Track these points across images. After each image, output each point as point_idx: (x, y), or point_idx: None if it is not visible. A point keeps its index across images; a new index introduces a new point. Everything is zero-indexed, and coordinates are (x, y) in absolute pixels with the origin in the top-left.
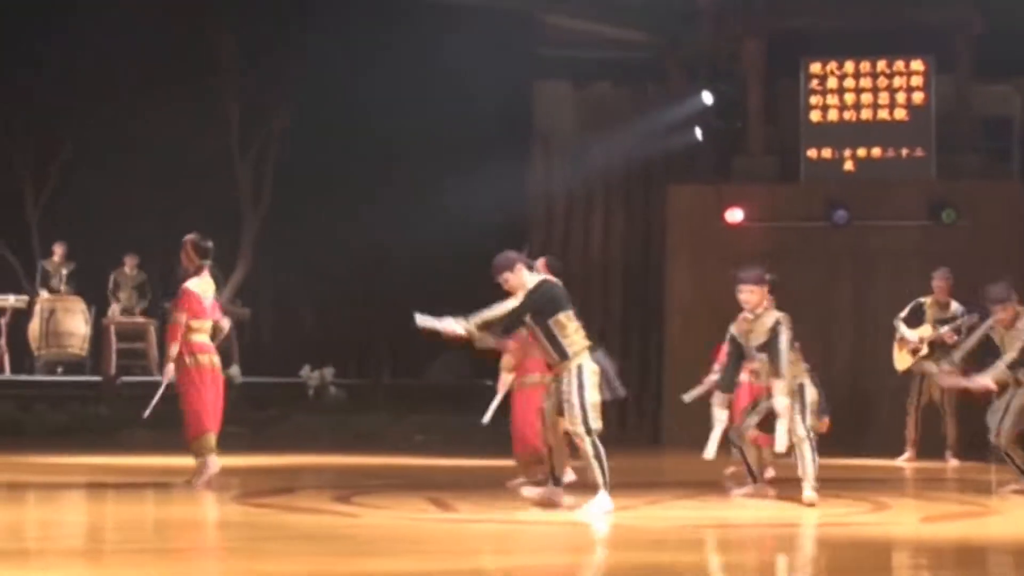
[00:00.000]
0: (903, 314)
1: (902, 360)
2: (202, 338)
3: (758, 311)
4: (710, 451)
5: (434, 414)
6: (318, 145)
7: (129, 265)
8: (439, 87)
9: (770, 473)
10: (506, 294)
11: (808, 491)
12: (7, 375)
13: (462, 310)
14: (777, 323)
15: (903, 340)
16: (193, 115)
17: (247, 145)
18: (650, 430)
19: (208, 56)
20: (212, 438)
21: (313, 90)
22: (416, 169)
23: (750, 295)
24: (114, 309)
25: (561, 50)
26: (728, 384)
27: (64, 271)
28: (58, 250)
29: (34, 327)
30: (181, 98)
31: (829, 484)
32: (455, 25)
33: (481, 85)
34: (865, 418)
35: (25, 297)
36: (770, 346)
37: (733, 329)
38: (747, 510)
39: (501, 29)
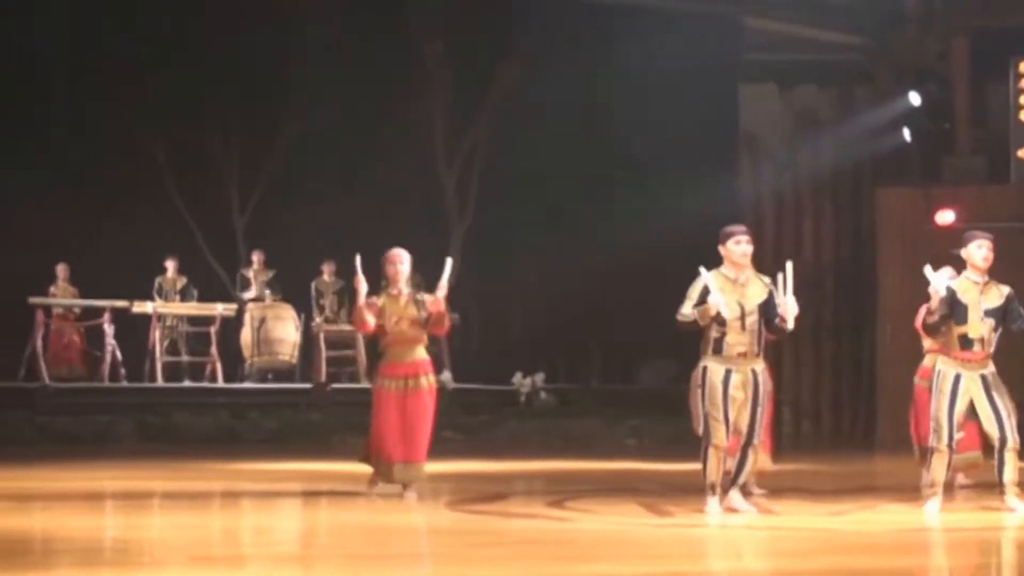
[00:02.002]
0: None
1: None
2: (386, 358)
3: None
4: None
5: (645, 418)
6: (523, 151)
7: (327, 272)
8: (645, 92)
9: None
10: None
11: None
12: (220, 383)
13: (670, 313)
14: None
15: None
16: (398, 121)
17: (453, 151)
18: (863, 433)
19: (415, 61)
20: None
21: (518, 95)
22: (623, 173)
23: None
24: (317, 317)
25: (766, 54)
26: None
27: (263, 279)
28: (256, 258)
29: (245, 335)
30: (386, 104)
31: None
32: (661, 31)
33: (687, 90)
34: None
35: (233, 306)
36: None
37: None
38: (963, 514)
39: (707, 34)
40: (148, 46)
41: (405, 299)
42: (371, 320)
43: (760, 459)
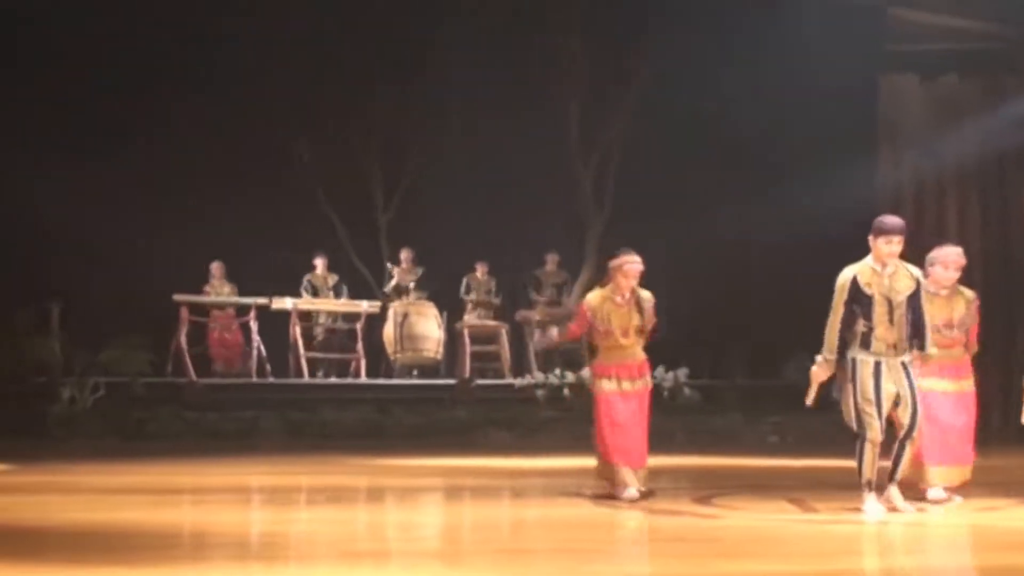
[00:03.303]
0: None
1: None
2: (603, 358)
3: None
4: None
5: (789, 415)
6: (661, 144)
7: (480, 271)
8: (784, 82)
9: None
10: None
11: None
12: (364, 379)
13: (813, 306)
14: None
15: None
16: (535, 118)
17: (589, 147)
18: (1015, 427)
19: (551, 59)
20: (614, 469)
21: (655, 91)
22: (762, 165)
23: None
24: (468, 313)
25: (907, 43)
26: None
27: (411, 277)
28: (405, 255)
29: (389, 332)
30: (524, 101)
31: None
32: (800, 20)
33: (826, 79)
34: None
35: (378, 303)
36: None
37: None
38: None
39: (846, 23)
40: (291, 46)
41: (630, 308)
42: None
43: (961, 472)
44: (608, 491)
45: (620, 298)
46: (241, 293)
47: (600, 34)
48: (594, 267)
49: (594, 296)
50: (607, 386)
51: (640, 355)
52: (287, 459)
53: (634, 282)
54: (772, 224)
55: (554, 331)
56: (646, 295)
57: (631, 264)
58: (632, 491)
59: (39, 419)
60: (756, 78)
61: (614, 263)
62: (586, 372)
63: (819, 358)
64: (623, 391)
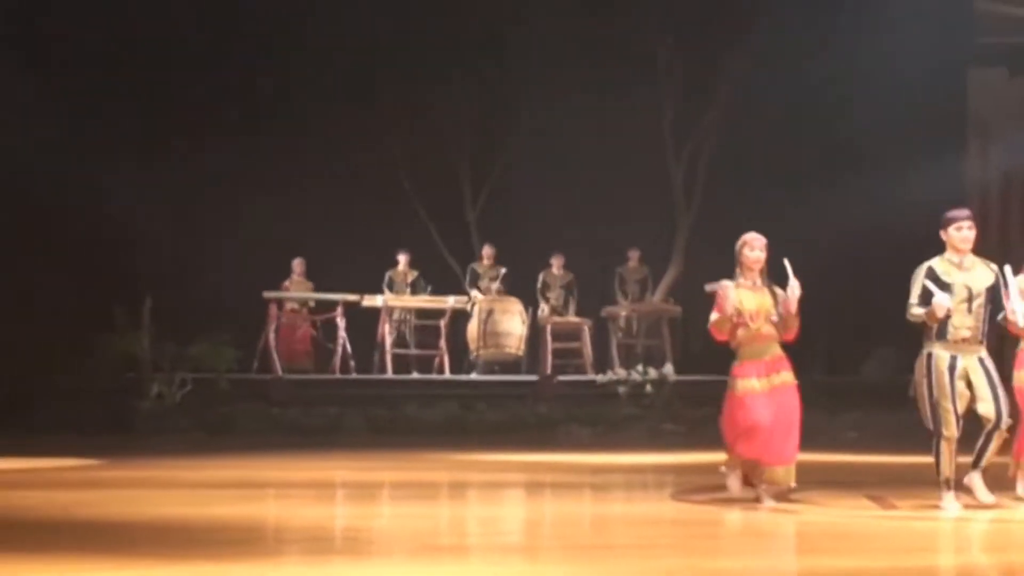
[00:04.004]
0: None
1: None
2: (741, 357)
3: None
4: None
5: (866, 410)
6: (749, 142)
7: (556, 266)
8: (873, 76)
9: None
10: None
11: None
12: (447, 375)
13: (893, 302)
14: None
15: None
16: (626, 113)
17: (681, 143)
18: None
19: (643, 54)
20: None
21: (746, 86)
22: (850, 159)
23: None
24: (543, 309)
25: (996, 37)
26: None
27: (493, 273)
28: (487, 252)
29: (472, 328)
30: (613, 97)
31: None
32: (889, 13)
33: (914, 73)
34: None
35: (464, 298)
36: None
37: None
38: None
39: (934, 17)
40: (379, 43)
41: (763, 291)
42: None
43: None
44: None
45: (751, 281)
46: (327, 289)
47: (692, 29)
48: (683, 262)
49: (725, 284)
50: (746, 386)
51: (778, 350)
52: (370, 455)
53: (760, 255)
54: (854, 218)
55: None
56: (781, 292)
57: (753, 237)
58: (769, 501)
59: (128, 414)
60: (845, 72)
61: (738, 244)
62: (668, 368)
63: (922, 310)
64: (764, 389)
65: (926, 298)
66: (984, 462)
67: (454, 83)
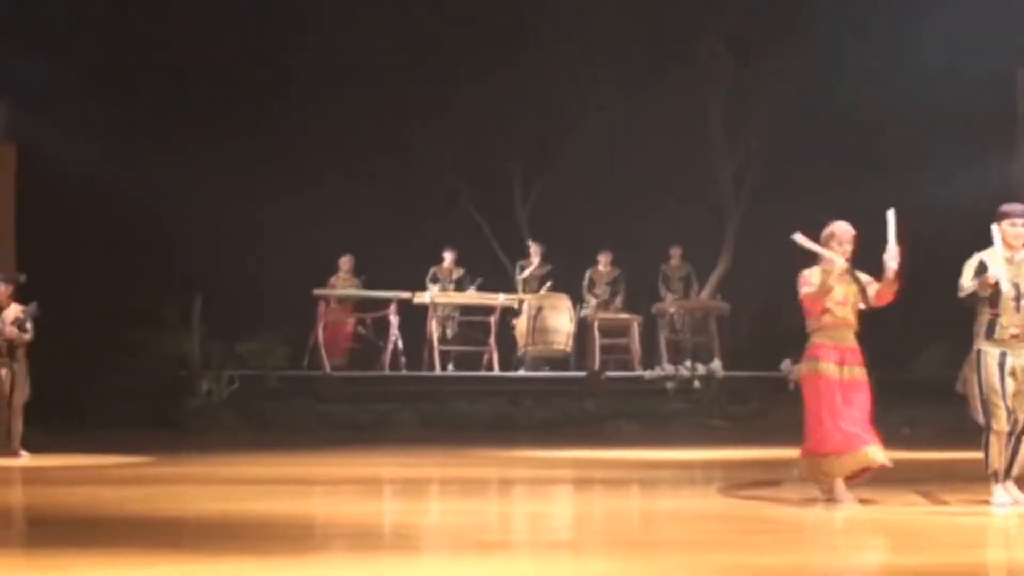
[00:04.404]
0: None
1: None
2: (822, 338)
3: None
4: None
5: (919, 407)
6: (797, 139)
7: (603, 263)
8: (921, 75)
9: None
10: None
11: None
12: (496, 372)
13: (944, 299)
14: None
15: None
16: (673, 111)
17: (728, 140)
18: None
19: (692, 51)
20: (826, 463)
21: (794, 82)
22: (897, 155)
23: None
24: (590, 306)
25: None
26: None
27: (539, 272)
28: (534, 249)
29: (521, 324)
30: (662, 94)
31: None
32: (938, 13)
33: (963, 72)
34: None
35: (515, 296)
36: None
37: None
38: None
39: (983, 17)
40: (427, 42)
41: (849, 280)
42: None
43: None
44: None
45: (839, 269)
46: (374, 287)
47: (739, 25)
48: (732, 258)
49: (810, 272)
50: (827, 369)
51: (854, 341)
52: (419, 451)
53: (848, 247)
54: (903, 216)
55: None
56: (865, 276)
57: (842, 231)
58: (850, 502)
59: (178, 412)
60: (893, 70)
61: (826, 232)
62: (716, 364)
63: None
64: (843, 379)
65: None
66: (1017, 469)
67: (503, 82)
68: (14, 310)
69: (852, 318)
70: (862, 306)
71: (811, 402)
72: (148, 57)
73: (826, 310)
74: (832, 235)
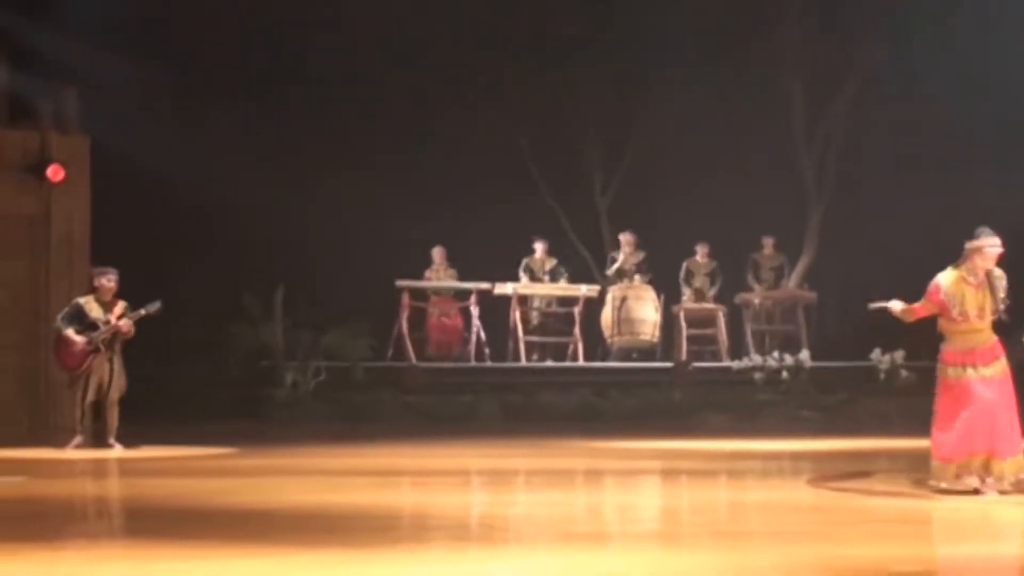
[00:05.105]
0: None
1: None
2: (956, 344)
3: None
4: None
5: None
6: (881, 130)
7: (701, 254)
8: (1007, 68)
9: None
10: None
11: None
12: (581, 363)
13: None
14: None
15: None
16: (755, 100)
17: (812, 131)
18: None
19: (774, 41)
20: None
21: (880, 73)
22: (978, 146)
23: None
24: (686, 296)
25: None
26: None
27: (633, 261)
28: (626, 239)
29: (607, 315)
30: (745, 84)
31: None
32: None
33: None
34: None
35: (596, 287)
36: None
37: None
38: None
39: None
40: (511, 36)
41: (984, 289)
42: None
43: None
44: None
45: (974, 279)
46: (461, 278)
47: (823, 17)
48: (815, 250)
49: (946, 277)
50: (956, 374)
51: (992, 337)
52: (505, 442)
53: (991, 265)
54: (995, 206)
55: (897, 304)
56: (998, 272)
57: (991, 247)
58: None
59: (262, 403)
60: (979, 62)
61: (972, 244)
62: (804, 355)
63: None
64: (981, 377)
65: None
66: None
67: (584, 72)
68: (121, 305)
69: (984, 324)
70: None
71: (940, 407)
72: (225, 49)
73: (962, 316)
74: (978, 250)
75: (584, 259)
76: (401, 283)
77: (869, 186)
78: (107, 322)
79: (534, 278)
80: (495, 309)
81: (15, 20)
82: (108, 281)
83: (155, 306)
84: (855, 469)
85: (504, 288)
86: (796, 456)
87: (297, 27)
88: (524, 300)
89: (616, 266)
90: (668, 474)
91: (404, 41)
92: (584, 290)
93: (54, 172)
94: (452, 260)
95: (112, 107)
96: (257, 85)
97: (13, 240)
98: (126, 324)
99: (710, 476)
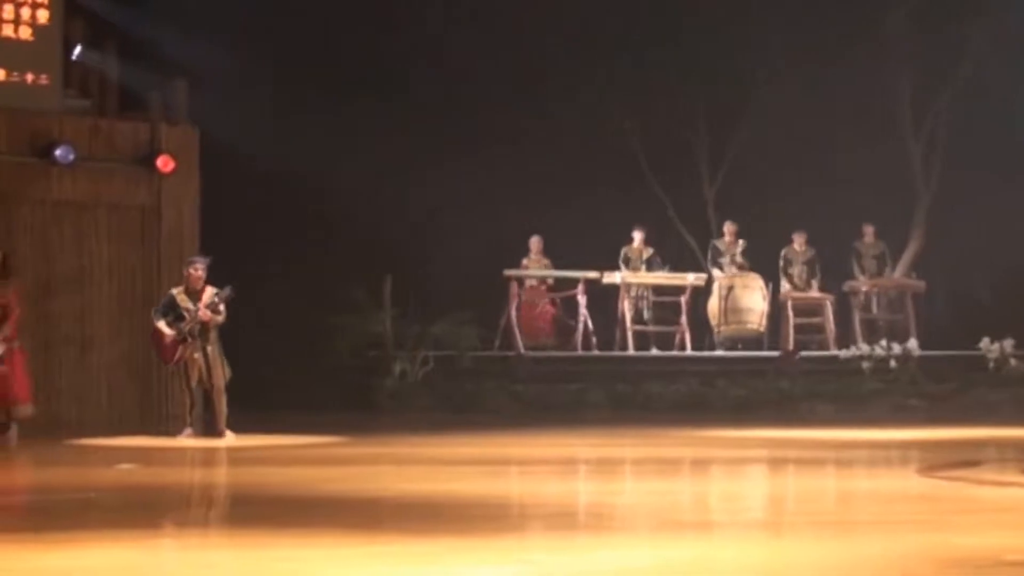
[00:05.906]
0: None
1: None
2: None
3: None
4: None
5: None
6: (989, 116)
7: (798, 242)
8: None
9: None
10: None
11: None
12: (689, 352)
13: None
14: None
15: None
16: (861, 90)
17: (919, 120)
18: None
19: (879, 29)
20: None
21: (989, 59)
22: None
23: None
24: (785, 286)
25: None
26: None
27: (736, 250)
28: (728, 228)
29: (713, 304)
30: (850, 72)
31: None
32: None
33: None
34: None
35: (703, 275)
36: None
37: None
38: None
39: None
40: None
41: None
42: None
43: None
44: None
45: None
46: (556, 267)
47: (929, 3)
48: (923, 237)
49: None
50: None
51: None
52: (612, 431)
53: None
54: None
55: None
56: None
57: None
58: None
59: (372, 392)
60: None
61: None
62: (912, 343)
63: None
64: None
65: None
66: None
67: (690, 60)
68: (208, 293)
69: None
70: None
71: None
72: (332, 41)
73: None
74: None
75: (691, 248)
76: (509, 272)
77: (976, 173)
78: (195, 312)
79: (632, 267)
80: (601, 298)
81: (125, 13)
82: (196, 271)
83: (227, 292)
84: (964, 458)
85: (613, 277)
86: (904, 445)
87: (402, 18)
88: (629, 289)
89: (724, 258)
90: (775, 463)
91: (511, 30)
92: (691, 279)
93: (164, 163)
94: (549, 249)
95: (220, 98)
96: (364, 76)
97: (125, 230)
98: (204, 313)
99: (818, 465)
